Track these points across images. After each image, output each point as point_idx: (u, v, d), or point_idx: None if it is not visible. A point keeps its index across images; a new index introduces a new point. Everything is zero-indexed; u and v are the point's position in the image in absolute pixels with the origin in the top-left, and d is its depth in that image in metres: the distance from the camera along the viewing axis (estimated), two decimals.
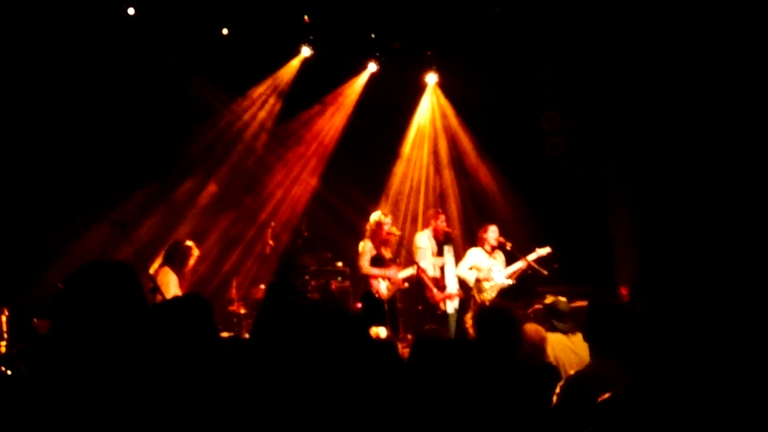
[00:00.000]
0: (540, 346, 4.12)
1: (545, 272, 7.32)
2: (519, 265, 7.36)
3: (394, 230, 7.05)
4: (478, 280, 7.34)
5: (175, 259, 6.00)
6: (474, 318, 3.59)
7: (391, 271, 6.92)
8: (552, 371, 3.98)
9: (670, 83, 7.25)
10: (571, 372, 3.90)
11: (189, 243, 6.18)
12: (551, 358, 4.33)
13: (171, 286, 5.79)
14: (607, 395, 2.85)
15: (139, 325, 2.11)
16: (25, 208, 6.77)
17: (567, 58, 8.47)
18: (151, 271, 5.80)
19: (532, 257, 7.33)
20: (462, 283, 7.50)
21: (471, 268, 7.41)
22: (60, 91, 6.96)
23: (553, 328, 4.64)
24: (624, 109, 7.96)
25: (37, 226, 6.77)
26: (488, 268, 7.38)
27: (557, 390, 3.31)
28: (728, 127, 6.72)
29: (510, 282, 7.38)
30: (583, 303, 6.46)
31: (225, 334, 6.50)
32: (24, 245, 6.68)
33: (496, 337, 3.30)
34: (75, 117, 7.11)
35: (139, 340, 2.10)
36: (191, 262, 6.12)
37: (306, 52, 8.56)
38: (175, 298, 2.49)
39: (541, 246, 7.43)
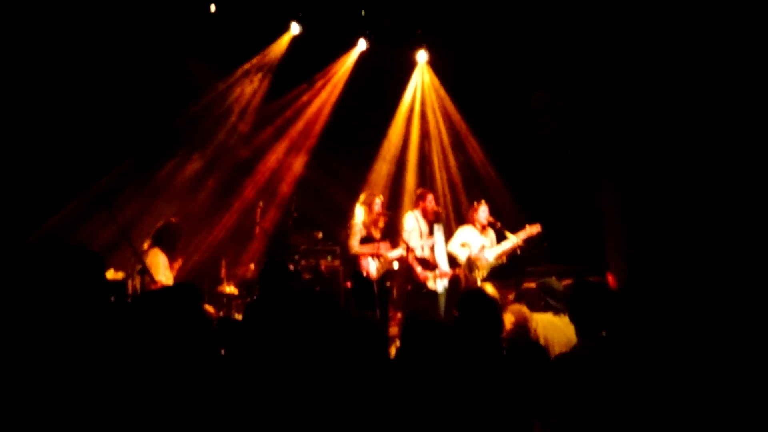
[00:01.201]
0: (524, 326, 4.16)
1: (535, 251, 7.36)
2: (509, 243, 7.39)
3: (383, 210, 7.04)
4: (469, 259, 7.36)
5: (165, 240, 5.93)
6: (456, 301, 3.61)
7: (381, 246, 6.91)
8: (538, 350, 4.01)
9: (660, 64, 7.23)
10: (559, 352, 3.95)
11: (179, 223, 6.13)
12: (540, 339, 4.37)
13: (161, 267, 5.74)
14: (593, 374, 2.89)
15: (101, 312, 2.13)
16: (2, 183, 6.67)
17: (557, 37, 8.42)
18: (145, 247, 5.77)
19: (522, 235, 7.37)
20: (453, 260, 7.52)
21: (462, 245, 7.43)
22: (42, 68, 6.84)
23: (546, 306, 4.68)
24: (614, 90, 7.94)
25: (16, 202, 6.68)
26: (480, 247, 7.41)
27: (545, 370, 3.34)
28: (719, 109, 6.72)
29: (501, 261, 7.42)
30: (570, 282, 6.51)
31: (210, 308, 6.51)
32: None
33: (478, 320, 3.33)
34: (60, 94, 6.99)
35: (121, 329, 2.11)
36: (181, 242, 6.07)
37: (295, 29, 8.46)
38: (165, 288, 2.49)
39: (531, 224, 7.46)
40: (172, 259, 5.96)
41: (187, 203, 7.96)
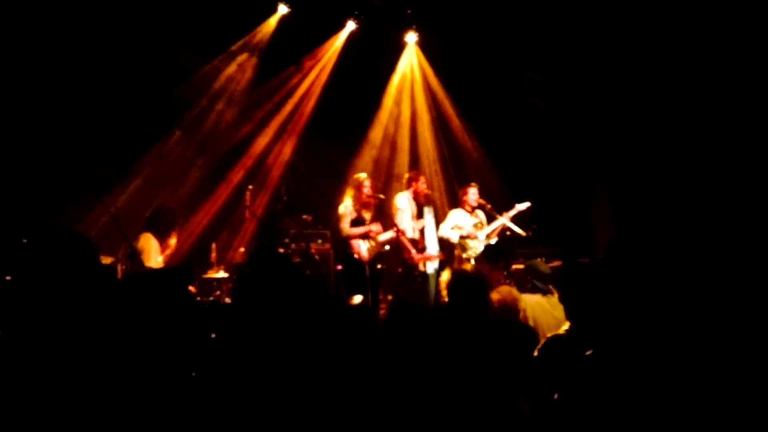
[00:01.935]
0: (513, 307, 4.17)
1: (524, 233, 7.38)
2: (500, 222, 7.40)
3: (374, 193, 7.04)
4: (462, 238, 7.37)
5: (159, 225, 5.85)
6: (446, 283, 3.64)
7: (373, 226, 6.92)
8: (526, 332, 4.03)
9: (651, 46, 7.19)
10: (549, 333, 3.96)
11: (171, 208, 6.07)
12: (530, 320, 4.39)
13: (152, 252, 5.66)
14: (586, 355, 2.90)
15: (95, 296, 2.12)
16: None
17: (547, 19, 8.36)
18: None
19: (512, 213, 7.38)
20: (445, 243, 7.53)
21: (454, 228, 7.44)
22: (27, 53, 6.74)
23: (533, 288, 4.70)
24: (605, 72, 7.91)
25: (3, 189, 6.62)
26: (472, 225, 7.41)
27: (536, 351, 3.36)
28: (709, 92, 6.69)
29: (493, 239, 7.43)
30: (560, 263, 6.54)
31: (191, 288, 6.49)
32: None
33: (467, 301, 3.34)
34: (45, 79, 6.89)
35: (106, 310, 2.11)
36: (175, 228, 6.01)
37: (283, 9, 8.38)
38: (152, 271, 2.49)
39: (521, 202, 7.47)
40: (163, 244, 5.91)
41: (176, 187, 7.91)
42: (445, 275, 4.13)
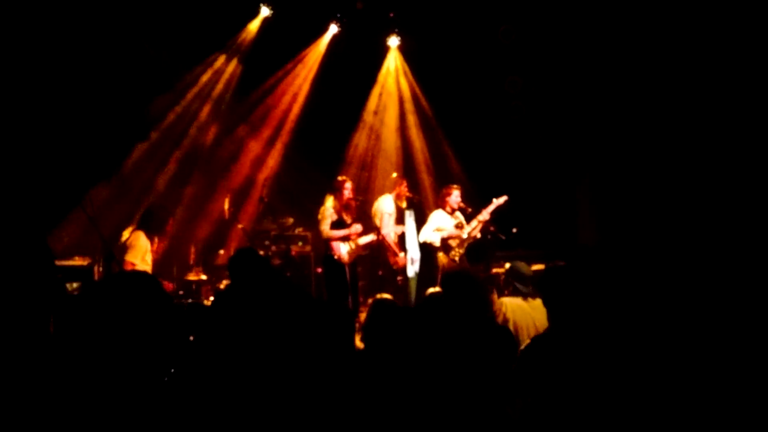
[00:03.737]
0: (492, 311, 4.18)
1: (504, 237, 7.38)
2: (480, 218, 7.38)
3: (355, 195, 7.03)
4: (443, 240, 7.35)
5: (152, 224, 5.76)
6: (440, 281, 3.63)
7: (354, 228, 6.90)
8: (505, 334, 4.02)
9: (637, 49, 7.23)
10: (528, 336, 3.97)
11: (163, 206, 6.00)
12: (509, 323, 4.40)
13: (140, 251, 5.58)
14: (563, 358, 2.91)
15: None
16: None
17: (530, 22, 8.40)
18: (126, 234, 5.64)
19: (490, 208, 7.37)
20: (428, 246, 7.50)
21: (436, 231, 7.43)
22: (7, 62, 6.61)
23: (515, 291, 4.70)
24: (590, 77, 7.95)
25: None
26: (453, 225, 7.40)
27: (518, 354, 3.36)
28: (698, 95, 6.72)
29: (476, 236, 7.41)
30: (542, 267, 6.56)
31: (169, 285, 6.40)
32: None
33: (464, 298, 3.33)
34: (24, 86, 6.75)
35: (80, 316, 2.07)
36: (167, 226, 5.93)
37: (265, 11, 8.35)
38: (127, 272, 2.46)
39: (497, 196, 7.46)
40: (156, 244, 5.81)
41: (157, 190, 7.82)
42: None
